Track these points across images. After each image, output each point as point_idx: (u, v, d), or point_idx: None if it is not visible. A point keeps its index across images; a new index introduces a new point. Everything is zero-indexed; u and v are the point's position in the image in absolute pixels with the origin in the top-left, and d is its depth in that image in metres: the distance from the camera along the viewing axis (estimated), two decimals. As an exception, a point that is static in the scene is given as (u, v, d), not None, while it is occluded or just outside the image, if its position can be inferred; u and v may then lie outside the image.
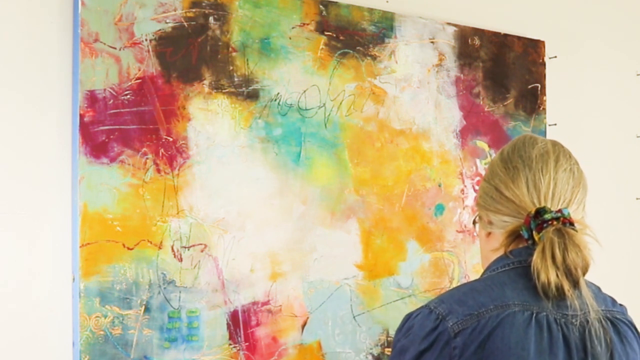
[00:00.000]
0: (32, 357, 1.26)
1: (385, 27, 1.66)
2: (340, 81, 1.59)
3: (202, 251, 1.40)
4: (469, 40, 1.80)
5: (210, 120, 1.42)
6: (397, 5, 1.70)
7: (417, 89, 1.71)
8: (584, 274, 1.01)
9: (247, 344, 1.44)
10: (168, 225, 1.36)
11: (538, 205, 1.04)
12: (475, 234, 1.20)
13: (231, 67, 1.45)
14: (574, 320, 1.02)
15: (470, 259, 1.76)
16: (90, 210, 1.28)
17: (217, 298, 1.41)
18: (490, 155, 1.82)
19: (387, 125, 1.66)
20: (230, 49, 1.45)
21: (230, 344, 1.42)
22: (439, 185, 1.74)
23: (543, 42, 1.94)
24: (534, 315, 1.00)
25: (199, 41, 1.41)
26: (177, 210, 1.37)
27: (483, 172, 1.80)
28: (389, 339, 1.62)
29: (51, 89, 1.29)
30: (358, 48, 1.62)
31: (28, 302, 1.26)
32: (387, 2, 1.69)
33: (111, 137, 1.31)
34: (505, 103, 1.87)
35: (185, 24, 1.40)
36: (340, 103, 1.59)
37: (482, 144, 1.82)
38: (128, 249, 1.32)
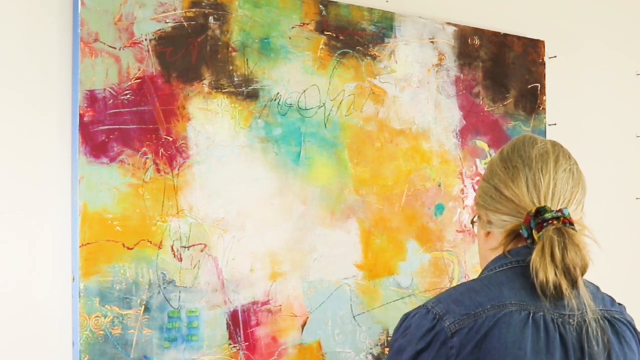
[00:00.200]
0: (32, 357, 1.26)
1: (385, 27, 1.66)
2: (340, 81, 1.59)
3: (202, 251, 1.40)
4: (469, 40, 1.80)
5: (210, 120, 1.42)
6: (397, 5, 1.70)
7: (417, 89, 1.71)
8: (582, 274, 1.01)
9: (247, 344, 1.44)
10: (168, 225, 1.36)
11: (537, 205, 1.04)
12: (474, 233, 1.20)
13: (231, 67, 1.45)
14: (571, 321, 1.02)
15: (470, 259, 1.76)
16: (90, 210, 1.28)
17: (217, 298, 1.41)
18: (490, 155, 1.82)
19: (387, 125, 1.66)
20: (230, 49, 1.45)
21: (230, 344, 1.42)
22: (439, 185, 1.74)
23: (543, 42, 1.94)
24: (531, 315, 1.00)
25: (199, 41, 1.41)
26: (177, 210, 1.38)
27: (483, 172, 1.80)
28: (389, 339, 1.62)
29: (51, 89, 1.29)
30: (358, 48, 1.62)
31: (28, 302, 1.26)
32: (387, 2, 1.69)
33: (111, 137, 1.31)
34: (505, 103, 1.87)
35: (185, 24, 1.40)
36: (340, 103, 1.59)
37: (482, 144, 1.82)
38: (128, 249, 1.32)
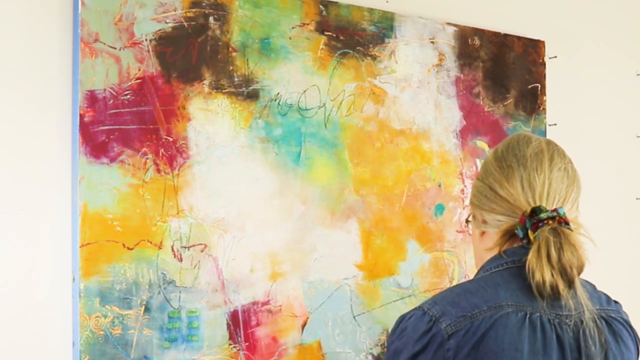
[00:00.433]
0: (32, 357, 1.26)
1: (385, 27, 1.66)
2: (340, 81, 1.59)
3: (202, 251, 1.40)
4: (469, 40, 1.80)
5: (210, 120, 1.42)
6: (397, 5, 1.70)
7: (417, 89, 1.71)
8: (579, 274, 1.01)
9: (247, 344, 1.44)
10: (168, 225, 1.36)
11: (533, 205, 1.04)
12: (468, 232, 1.19)
13: (231, 67, 1.45)
14: (568, 321, 1.02)
15: (470, 259, 1.76)
16: (90, 210, 1.28)
17: (217, 298, 1.41)
18: (490, 155, 1.82)
19: (387, 125, 1.66)
20: (230, 49, 1.45)
21: (230, 344, 1.42)
22: (439, 185, 1.74)
23: (543, 42, 1.94)
24: (528, 316, 1.00)
25: (199, 41, 1.41)
26: (177, 210, 1.37)
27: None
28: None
29: (51, 89, 1.29)
30: (358, 48, 1.62)
31: (28, 302, 1.26)
32: (387, 2, 1.69)
33: (111, 137, 1.31)
34: (505, 103, 1.87)
35: (185, 24, 1.40)
36: (340, 103, 1.59)
37: (482, 144, 1.82)
38: (128, 249, 1.32)
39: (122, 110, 1.32)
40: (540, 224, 1.01)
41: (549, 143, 1.10)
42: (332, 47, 1.58)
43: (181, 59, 1.39)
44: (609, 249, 2.07)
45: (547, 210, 1.02)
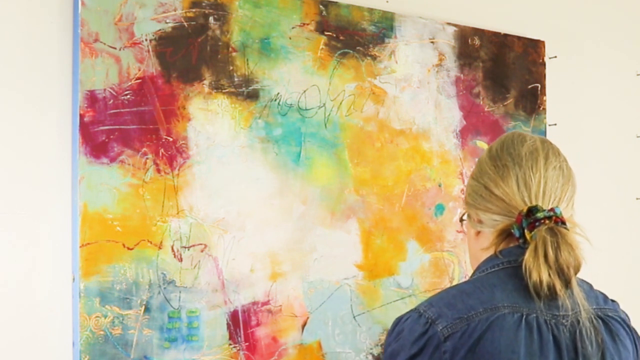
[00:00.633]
0: (32, 357, 1.26)
1: (385, 27, 1.66)
2: (340, 81, 1.59)
3: (202, 251, 1.40)
4: (469, 40, 1.80)
5: (210, 120, 1.42)
6: (397, 5, 1.70)
7: (417, 89, 1.71)
8: (575, 273, 1.00)
9: (247, 344, 1.44)
10: (168, 225, 1.36)
11: (529, 204, 1.03)
12: (463, 231, 1.19)
13: (231, 67, 1.45)
14: (564, 321, 1.01)
15: (470, 259, 1.76)
16: (90, 210, 1.28)
17: (217, 298, 1.41)
18: (490, 155, 1.82)
19: (387, 125, 1.66)
20: (230, 49, 1.45)
21: (230, 344, 1.42)
22: (439, 185, 1.74)
23: (543, 42, 1.94)
24: (524, 317, 1.00)
25: (199, 41, 1.41)
26: (177, 210, 1.38)
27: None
28: (389, 339, 1.62)
29: (51, 89, 1.29)
30: (358, 48, 1.62)
31: (28, 302, 1.26)
32: (387, 2, 1.69)
33: (111, 137, 1.31)
34: (505, 103, 1.87)
35: (185, 24, 1.40)
36: (340, 103, 1.59)
37: (482, 144, 1.82)
38: (128, 249, 1.32)
39: (122, 110, 1.32)
40: (537, 224, 1.01)
41: (544, 141, 1.10)
42: (332, 47, 1.58)
43: (181, 59, 1.39)
44: (609, 249, 2.07)
45: (543, 210, 1.01)
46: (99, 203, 1.29)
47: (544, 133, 1.93)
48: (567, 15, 2.07)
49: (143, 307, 1.33)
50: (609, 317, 1.07)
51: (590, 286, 1.10)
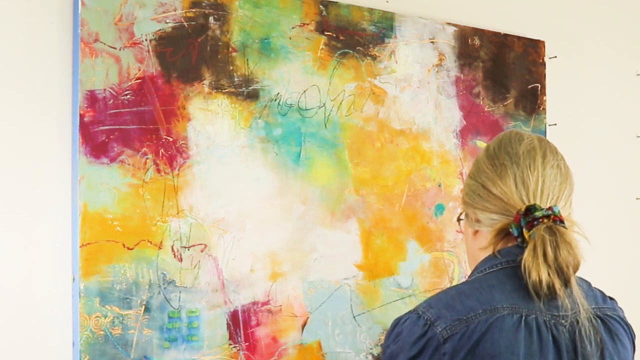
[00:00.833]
0: (32, 357, 1.26)
1: (385, 27, 1.66)
2: (340, 81, 1.59)
3: (202, 251, 1.40)
4: (469, 40, 1.80)
5: (210, 120, 1.42)
6: (397, 5, 1.70)
7: (417, 89, 1.71)
8: (574, 272, 1.00)
9: (247, 344, 1.44)
10: (168, 225, 1.36)
11: (527, 203, 1.03)
12: (457, 231, 1.19)
13: (231, 67, 1.45)
14: (563, 321, 1.01)
15: (470, 259, 1.76)
16: (90, 210, 1.28)
17: (217, 298, 1.41)
18: (490, 155, 1.82)
19: (387, 125, 1.66)
20: (230, 49, 1.45)
21: (230, 344, 1.42)
22: (439, 185, 1.74)
23: (543, 42, 1.94)
24: (523, 318, 0.99)
25: (199, 41, 1.41)
26: (177, 210, 1.37)
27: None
28: (389, 339, 1.62)
29: (51, 89, 1.29)
30: (358, 48, 1.62)
31: (28, 302, 1.26)
32: (387, 2, 1.69)
33: (111, 137, 1.31)
34: (505, 103, 1.87)
35: (185, 24, 1.40)
36: (340, 103, 1.59)
37: (482, 144, 1.82)
38: (128, 249, 1.32)
39: (122, 110, 1.32)
40: (536, 223, 1.00)
41: (541, 140, 1.10)
42: (332, 47, 1.58)
43: (181, 59, 1.39)
44: (609, 248, 2.07)
45: (542, 209, 1.01)
46: (99, 203, 1.29)
47: (544, 133, 1.93)
48: (567, 15, 2.07)
49: (143, 307, 1.33)
50: (607, 316, 1.07)
51: (589, 284, 1.10)
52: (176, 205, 1.37)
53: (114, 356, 1.29)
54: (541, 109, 1.93)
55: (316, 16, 1.56)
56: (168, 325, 1.35)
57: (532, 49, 1.92)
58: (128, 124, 1.33)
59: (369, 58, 1.63)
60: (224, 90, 1.44)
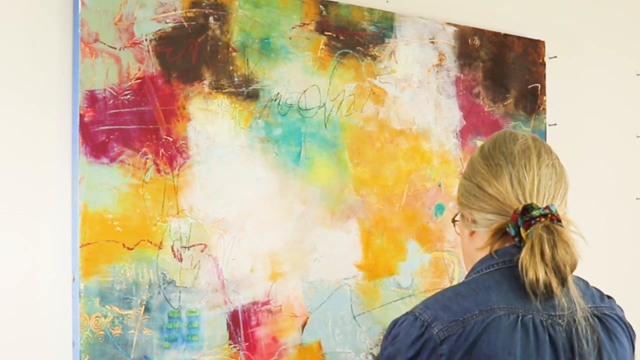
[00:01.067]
0: (32, 357, 1.26)
1: (385, 27, 1.66)
2: (340, 81, 1.59)
3: (202, 251, 1.40)
4: (469, 40, 1.80)
5: (210, 120, 1.42)
6: (397, 5, 1.70)
7: (417, 89, 1.71)
8: (572, 271, 1.00)
9: (247, 344, 1.44)
10: (168, 225, 1.36)
11: (523, 202, 1.03)
12: (456, 232, 1.19)
13: (231, 67, 1.45)
14: (560, 321, 1.01)
15: (470, 259, 1.76)
16: (90, 210, 1.28)
17: (217, 298, 1.41)
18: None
19: (387, 125, 1.66)
20: (230, 49, 1.45)
21: (230, 344, 1.42)
22: (439, 185, 1.74)
23: (543, 42, 1.94)
24: (520, 318, 0.99)
25: (199, 41, 1.41)
26: (177, 210, 1.38)
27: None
28: (389, 339, 1.62)
29: (51, 89, 1.29)
30: (358, 48, 1.62)
31: (28, 302, 1.26)
32: (387, 2, 1.69)
33: (111, 137, 1.31)
34: (505, 103, 1.87)
35: (185, 24, 1.40)
36: (340, 103, 1.59)
37: (481, 144, 1.82)
38: (128, 249, 1.32)
39: (122, 110, 1.32)
40: (533, 222, 1.00)
41: (535, 139, 1.10)
42: (332, 47, 1.58)
43: (181, 59, 1.39)
44: (609, 248, 2.07)
45: (539, 208, 1.01)
46: (99, 203, 1.29)
47: (544, 133, 1.93)
48: (567, 15, 2.07)
49: (143, 307, 1.33)
50: (605, 315, 1.06)
51: (586, 283, 1.10)
52: (176, 205, 1.37)
53: (114, 356, 1.29)
54: (541, 109, 1.93)
55: (316, 16, 1.56)
56: (168, 325, 1.36)
57: (532, 49, 1.92)
58: (128, 124, 1.33)
59: (369, 58, 1.63)
60: (224, 90, 1.44)
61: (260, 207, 1.48)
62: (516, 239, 1.03)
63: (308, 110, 1.55)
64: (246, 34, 1.47)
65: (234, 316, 1.43)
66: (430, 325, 0.99)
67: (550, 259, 0.98)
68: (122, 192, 1.32)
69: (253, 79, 1.48)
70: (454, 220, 1.18)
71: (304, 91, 1.54)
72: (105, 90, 1.30)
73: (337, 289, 1.57)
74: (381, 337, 1.62)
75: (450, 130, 1.76)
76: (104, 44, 1.30)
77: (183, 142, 1.39)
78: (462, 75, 1.79)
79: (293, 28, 1.53)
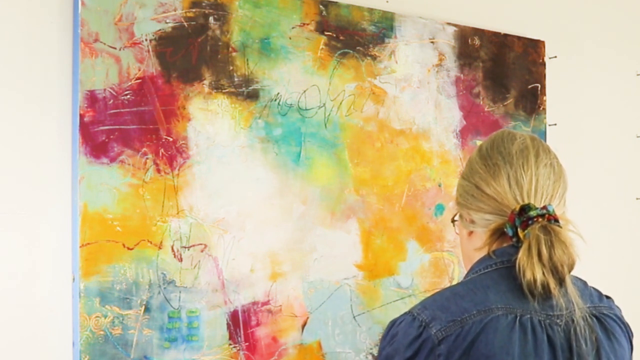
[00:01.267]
0: (32, 357, 1.26)
1: (385, 27, 1.66)
2: (340, 81, 1.59)
3: (202, 251, 1.40)
4: (469, 40, 1.80)
5: (210, 120, 1.42)
6: (397, 5, 1.70)
7: (417, 89, 1.71)
8: (569, 271, 1.00)
9: (247, 344, 1.44)
10: (168, 225, 1.36)
11: (521, 202, 1.03)
12: (456, 232, 1.19)
13: (231, 67, 1.45)
14: (558, 321, 1.01)
15: (470, 259, 1.76)
16: (90, 210, 1.28)
17: (217, 298, 1.41)
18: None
19: (387, 125, 1.66)
20: (230, 49, 1.45)
21: (230, 344, 1.42)
22: (439, 185, 1.74)
23: (543, 42, 1.94)
24: (518, 318, 0.99)
25: (199, 41, 1.41)
26: (177, 210, 1.38)
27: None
28: (389, 339, 1.62)
29: (51, 89, 1.29)
30: (358, 48, 1.62)
31: (28, 302, 1.26)
32: (387, 2, 1.69)
33: (111, 137, 1.31)
34: (505, 103, 1.87)
35: (185, 24, 1.40)
36: (340, 103, 1.59)
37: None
38: (128, 249, 1.32)
39: (122, 110, 1.32)
40: (530, 222, 1.00)
41: (534, 139, 1.09)
42: (332, 47, 1.58)
43: (181, 59, 1.39)
44: (609, 248, 2.07)
45: (536, 208, 1.01)
46: (99, 203, 1.29)
47: (544, 133, 1.93)
48: (567, 15, 2.07)
49: (143, 307, 1.33)
50: (604, 315, 1.06)
51: (585, 283, 1.10)
52: (176, 205, 1.37)
53: (114, 356, 1.29)
54: (541, 109, 1.93)
55: (316, 16, 1.56)
56: (168, 325, 1.36)
57: (532, 49, 1.92)
58: (128, 124, 1.33)
59: (369, 58, 1.63)
60: (224, 90, 1.44)
61: (260, 207, 1.48)
62: (514, 239, 1.03)
63: (308, 110, 1.55)
64: (246, 34, 1.47)
65: (234, 316, 1.43)
66: (429, 326, 0.99)
67: (547, 259, 0.98)
68: (122, 192, 1.32)
69: (253, 79, 1.48)
70: (453, 221, 1.18)
71: (304, 91, 1.54)
72: (105, 90, 1.30)
73: (337, 289, 1.57)
74: (381, 337, 1.62)
75: (450, 130, 1.76)
76: (104, 44, 1.31)
77: (183, 142, 1.39)
78: (462, 75, 1.79)
79: (293, 28, 1.53)
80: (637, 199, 2.20)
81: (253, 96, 1.48)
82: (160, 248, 1.35)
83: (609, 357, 1.04)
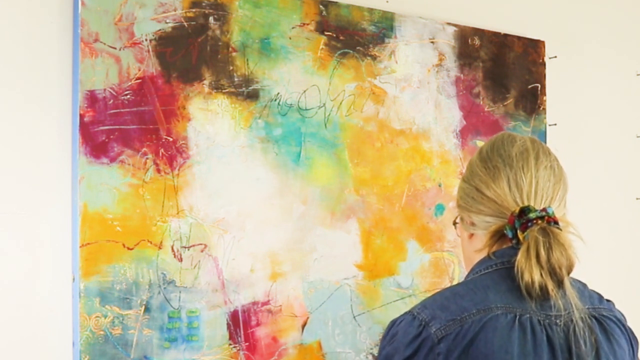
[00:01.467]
0: (32, 357, 1.26)
1: (385, 27, 1.66)
2: (340, 81, 1.59)
3: (202, 251, 1.40)
4: (469, 40, 1.80)
5: (210, 120, 1.42)
6: (397, 5, 1.70)
7: (417, 89, 1.71)
8: (568, 273, 1.00)
9: (247, 344, 1.44)
10: (168, 225, 1.36)
11: (521, 204, 1.03)
12: (457, 234, 1.19)
13: (231, 67, 1.45)
14: (557, 321, 1.01)
15: (470, 259, 1.76)
16: (90, 210, 1.28)
17: (217, 298, 1.41)
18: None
19: (387, 125, 1.66)
20: (230, 49, 1.45)
21: (230, 344, 1.42)
22: (439, 185, 1.74)
23: (543, 42, 1.95)
24: (517, 317, 1.00)
25: (199, 41, 1.41)
26: (177, 210, 1.38)
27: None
28: (389, 339, 1.62)
29: (51, 89, 1.29)
30: (358, 48, 1.62)
31: (28, 302, 1.26)
32: (387, 2, 1.69)
33: (111, 137, 1.31)
34: (505, 103, 1.87)
35: (185, 24, 1.40)
36: (340, 103, 1.59)
37: (482, 144, 1.82)
38: (128, 249, 1.32)
39: (122, 110, 1.32)
40: (529, 224, 1.00)
41: (534, 141, 1.10)
42: (332, 47, 1.58)
43: (181, 59, 1.39)
44: (609, 248, 2.07)
45: (535, 210, 1.01)
46: (99, 203, 1.29)
47: (544, 133, 1.93)
48: (567, 15, 2.07)
49: (143, 307, 1.33)
50: (603, 316, 1.07)
51: (585, 285, 1.10)
52: (176, 205, 1.37)
53: (114, 356, 1.29)
54: (541, 109, 1.93)
55: (316, 16, 1.56)
56: (168, 325, 1.36)
57: (532, 49, 1.92)
58: (128, 124, 1.33)
59: (369, 58, 1.63)
60: (224, 90, 1.44)
61: (260, 207, 1.48)
62: (513, 241, 1.03)
63: (308, 110, 1.55)
64: (246, 34, 1.47)
65: (234, 316, 1.43)
66: (428, 325, 1.00)
67: (545, 261, 0.98)
68: (122, 192, 1.32)
69: (253, 79, 1.48)
70: (455, 223, 1.18)
71: (304, 91, 1.54)
72: (105, 90, 1.30)
73: (337, 289, 1.57)
74: (381, 337, 1.62)
75: (450, 130, 1.76)
76: (104, 44, 1.31)
77: (183, 142, 1.39)
78: (462, 75, 1.79)
79: (293, 28, 1.53)
80: (637, 199, 2.20)
81: (253, 96, 1.48)
82: (160, 248, 1.35)
83: (609, 358, 1.04)
